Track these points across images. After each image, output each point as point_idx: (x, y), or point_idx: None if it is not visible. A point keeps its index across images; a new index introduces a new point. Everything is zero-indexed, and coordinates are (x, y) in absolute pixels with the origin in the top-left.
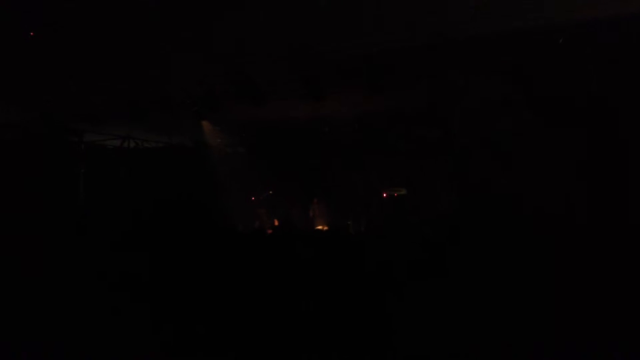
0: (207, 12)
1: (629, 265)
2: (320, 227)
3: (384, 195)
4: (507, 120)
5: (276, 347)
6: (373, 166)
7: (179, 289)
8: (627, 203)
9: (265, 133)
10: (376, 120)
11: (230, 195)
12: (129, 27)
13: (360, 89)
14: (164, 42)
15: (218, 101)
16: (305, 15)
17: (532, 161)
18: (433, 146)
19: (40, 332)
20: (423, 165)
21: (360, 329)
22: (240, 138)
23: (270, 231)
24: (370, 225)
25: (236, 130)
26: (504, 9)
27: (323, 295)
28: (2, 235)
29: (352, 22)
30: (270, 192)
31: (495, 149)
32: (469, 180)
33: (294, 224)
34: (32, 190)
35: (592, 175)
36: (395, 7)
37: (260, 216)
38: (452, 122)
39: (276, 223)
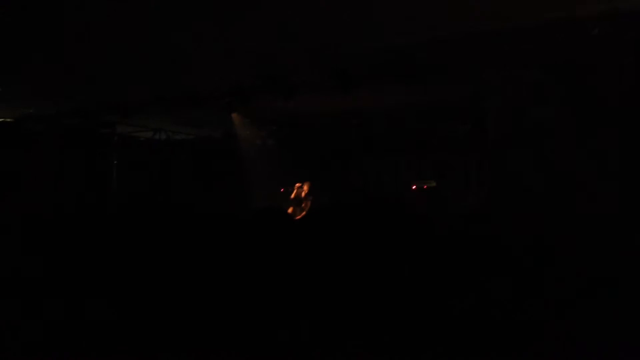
0: (238, 6)
1: None
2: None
3: (414, 187)
4: (541, 114)
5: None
6: (403, 159)
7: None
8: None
9: (294, 125)
10: (406, 114)
11: (259, 187)
12: (160, 20)
13: (390, 82)
14: (195, 35)
15: (248, 94)
16: (334, 8)
17: (567, 156)
18: (464, 140)
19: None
20: (453, 158)
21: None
22: (269, 130)
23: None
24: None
25: (266, 123)
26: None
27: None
28: (36, 224)
29: (383, 15)
30: (299, 184)
31: (529, 143)
32: (501, 174)
33: None
34: (66, 181)
35: (627, 171)
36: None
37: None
38: (485, 116)
39: (290, 211)
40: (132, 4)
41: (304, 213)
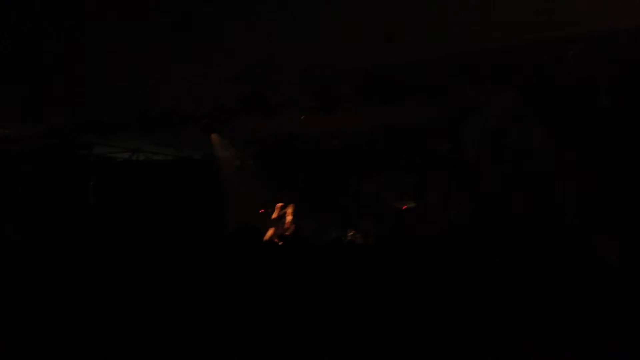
0: (218, 26)
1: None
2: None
3: (394, 207)
4: (518, 133)
5: None
6: (383, 179)
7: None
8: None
9: (274, 146)
10: (387, 134)
11: (238, 208)
12: (138, 40)
13: (371, 103)
14: (174, 55)
15: (228, 114)
16: (315, 29)
17: (544, 175)
18: (443, 160)
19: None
20: (433, 178)
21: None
22: (249, 151)
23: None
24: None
25: (246, 143)
26: (515, 22)
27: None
28: (12, 247)
29: (364, 36)
30: (280, 204)
31: (507, 163)
32: (480, 194)
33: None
34: (42, 202)
35: (604, 188)
36: (406, 22)
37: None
38: (463, 136)
39: (270, 232)
40: (110, 25)
41: (287, 234)
